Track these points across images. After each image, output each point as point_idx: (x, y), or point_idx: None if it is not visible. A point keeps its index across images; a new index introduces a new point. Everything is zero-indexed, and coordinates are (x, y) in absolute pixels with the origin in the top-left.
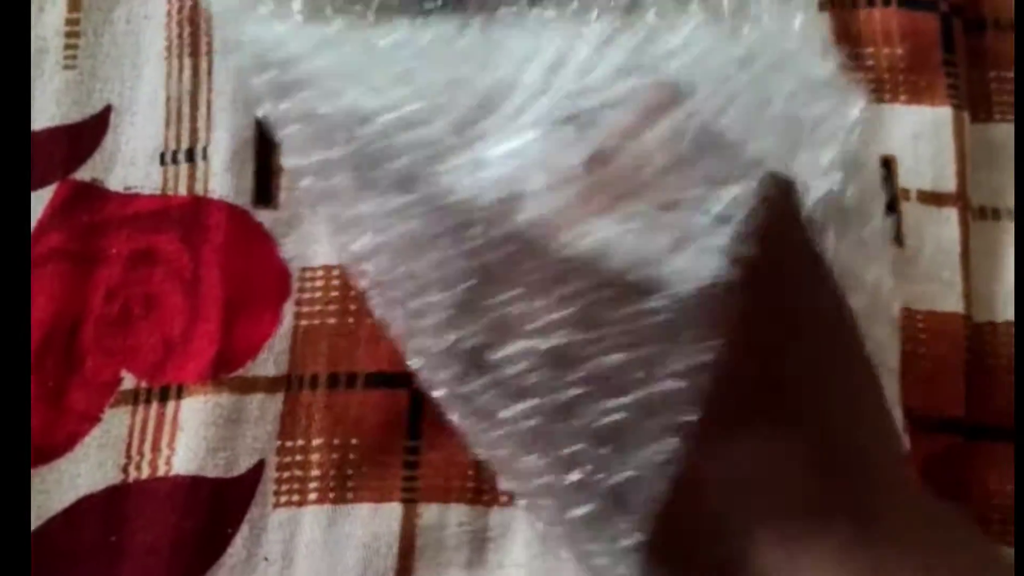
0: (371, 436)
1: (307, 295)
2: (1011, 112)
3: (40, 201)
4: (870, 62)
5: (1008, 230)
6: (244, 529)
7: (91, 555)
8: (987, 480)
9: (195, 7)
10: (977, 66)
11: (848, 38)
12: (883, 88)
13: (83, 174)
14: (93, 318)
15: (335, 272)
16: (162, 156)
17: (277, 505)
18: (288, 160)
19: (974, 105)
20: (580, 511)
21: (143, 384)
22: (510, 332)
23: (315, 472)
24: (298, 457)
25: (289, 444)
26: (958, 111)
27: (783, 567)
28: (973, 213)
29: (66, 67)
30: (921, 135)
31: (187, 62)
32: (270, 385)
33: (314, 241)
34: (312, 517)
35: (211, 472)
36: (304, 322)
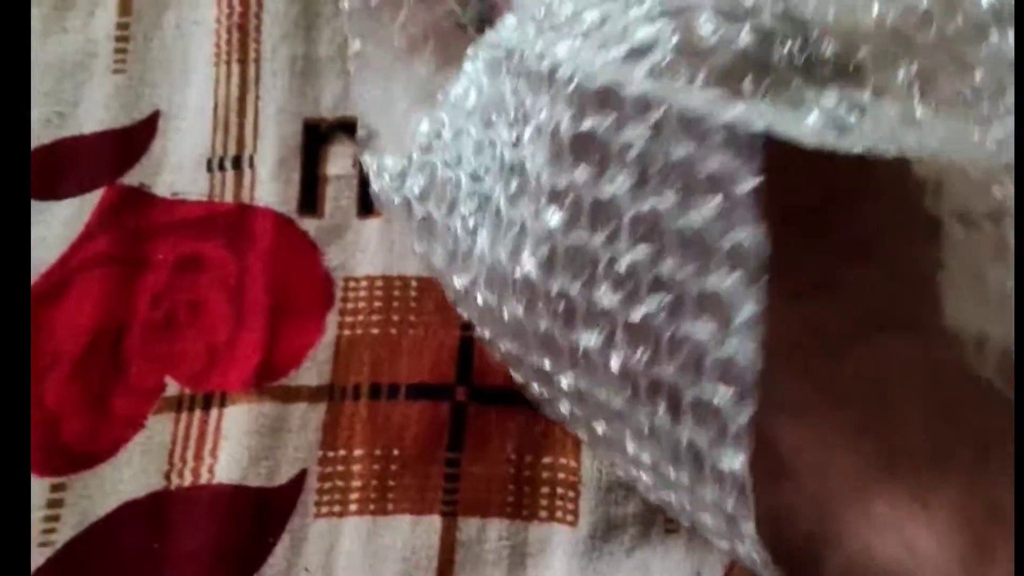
0: (412, 447)
1: (350, 304)
2: None
3: (88, 205)
4: None
5: None
6: (285, 539)
7: (133, 561)
8: None
9: (244, 13)
10: None
11: None
12: None
13: (131, 179)
14: (138, 324)
15: (378, 282)
16: (209, 162)
17: (318, 515)
18: None
19: None
20: None
21: (187, 391)
22: None
23: (356, 483)
24: (339, 467)
25: (331, 454)
26: None
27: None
28: None
29: (116, 71)
30: None
31: (235, 68)
32: (313, 395)
33: (358, 250)
34: (352, 528)
35: (253, 481)
36: (347, 332)
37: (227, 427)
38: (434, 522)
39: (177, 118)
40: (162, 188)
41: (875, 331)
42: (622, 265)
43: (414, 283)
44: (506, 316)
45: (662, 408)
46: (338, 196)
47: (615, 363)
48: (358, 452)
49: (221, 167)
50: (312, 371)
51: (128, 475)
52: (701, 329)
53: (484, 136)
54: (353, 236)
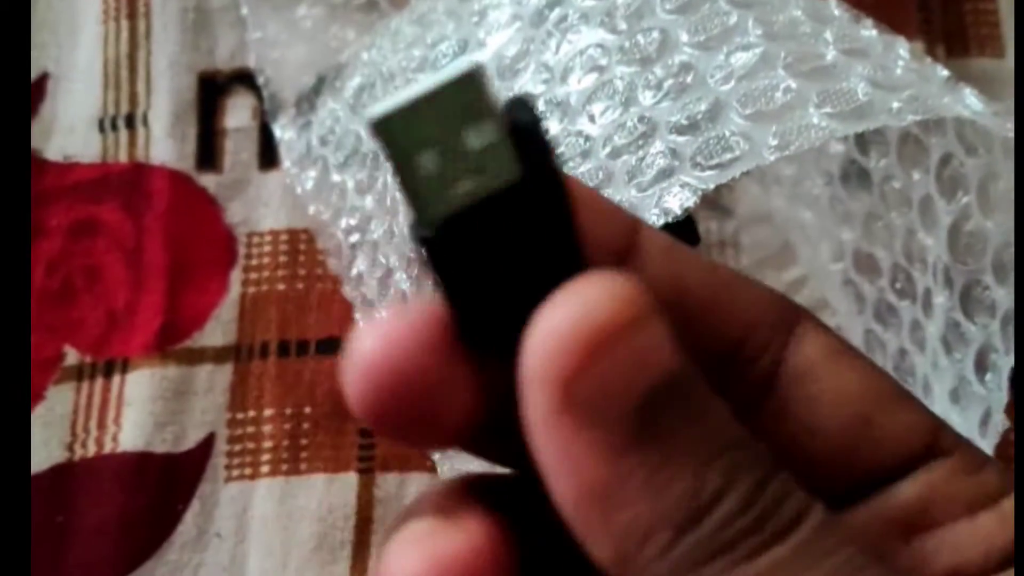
0: (325, 404)
1: (254, 261)
2: (991, 47)
3: None
4: None
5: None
6: (195, 505)
7: (37, 536)
8: None
9: None
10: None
11: None
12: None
13: None
14: (34, 292)
15: (283, 236)
16: (101, 123)
17: (229, 479)
18: None
19: (950, 39)
20: None
21: (87, 359)
22: None
23: (267, 444)
24: (249, 429)
25: (240, 416)
26: (931, 45)
27: None
28: None
29: None
30: None
31: (124, 24)
32: (218, 355)
33: (261, 204)
34: (265, 490)
35: (159, 447)
36: (252, 289)
37: (130, 394)
38: (350, 479)
39: (66, 79)
40: (53, 152)
41: None
42: None
43: None
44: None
45: None
46: (238, 150)
47: None
48: (268, 412)
49: (114, 127)
50: (217, 331)
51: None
52: None
53: None
54: (255, 190)
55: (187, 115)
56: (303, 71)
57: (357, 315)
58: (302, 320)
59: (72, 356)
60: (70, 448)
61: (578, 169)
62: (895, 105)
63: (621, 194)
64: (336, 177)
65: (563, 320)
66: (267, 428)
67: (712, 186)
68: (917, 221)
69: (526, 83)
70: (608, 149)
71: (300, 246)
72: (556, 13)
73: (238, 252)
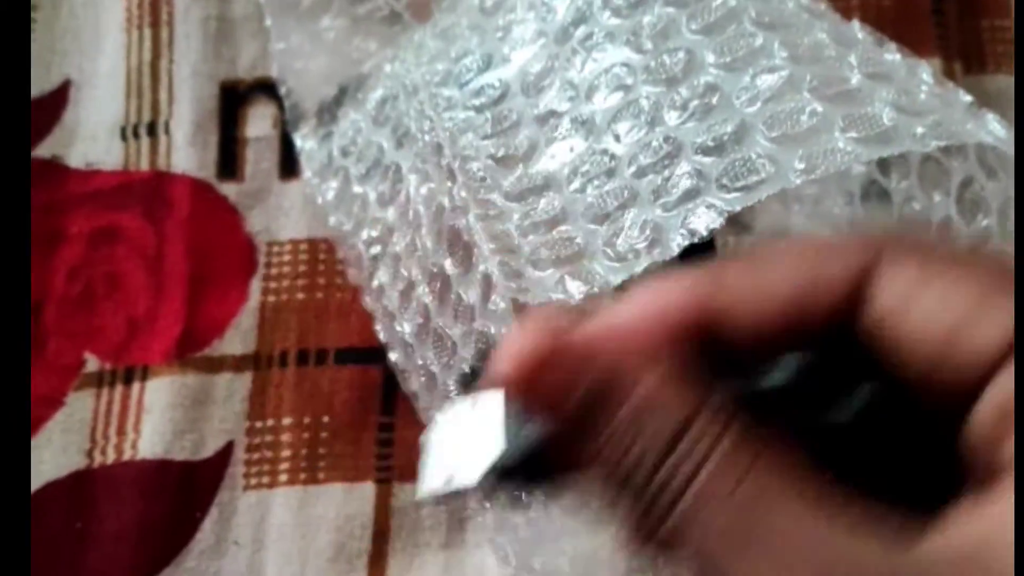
0: (343, 413)
1: (274, 270)
2: (1007, 64)
3: None
4: (857, 14)
5: None
6: (213, 513)
7: (56, 542)
8: None
9: None
10: (969, 15)
11: None
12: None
13: (42, 151)
14: (55, 299)
15: (303, 246)
16: (123, 130)
17: (247, 487)
18: None
19: (967, 56)
20: None
21: (107, 366)
22: None
23: (285, 452)
24: (268, 437)
25: (258, 424)
26: (948, 62)
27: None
28: None
29: None
30: None
31: (147, 33)
32: (237, 364)
33: (281, 214)
34: (283, 499)
35: (178, 455)
36: (272, 298)
37: (149, 401)
38: (367, 489)
39: (89, 86)
40: (75, 159)
41: None
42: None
43: None
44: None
45: None
46: (258, 159)
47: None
48: (287, 421)
49: (136, 135)
50: (236, 340)
51: (48, 455)
52: None
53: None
54: (275, 199)
55: (208, 124)
56: (325, 82)
57: (378, 327)
58: (321, 329)
59: (92, 363)
60: (89, 454)
61: (603, 188)
62: (919, 130)
63: (646, 213)
64: (358, 188)
65: None
66: (285, 437)
67: (738, 208)
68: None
69: (551, 100)
70: (633, 168)
71: (320, 256)
72: (581, 31)
73: (258, 261)
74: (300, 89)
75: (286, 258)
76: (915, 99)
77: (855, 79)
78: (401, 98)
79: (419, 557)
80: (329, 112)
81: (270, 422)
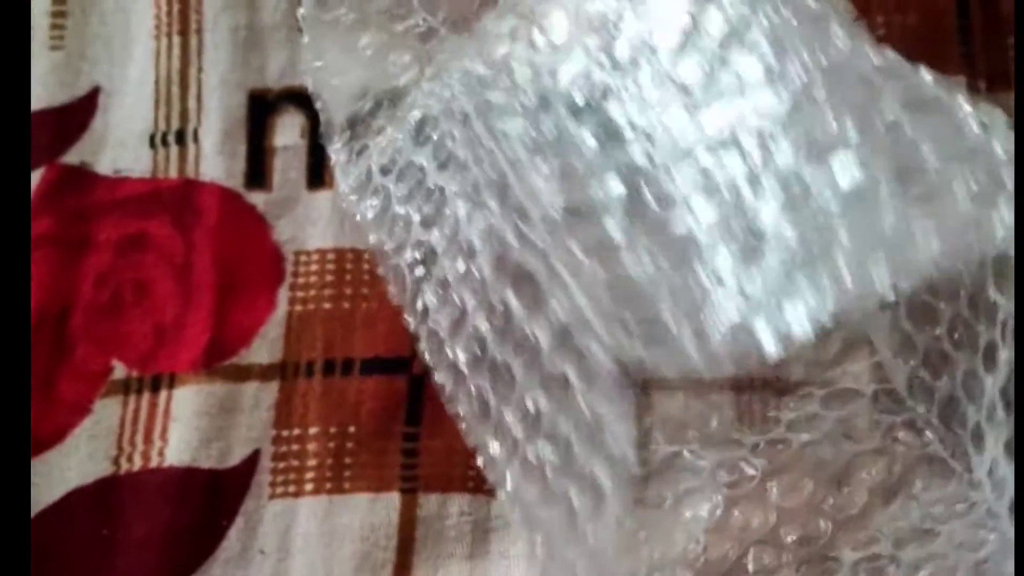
0: (369, 423)
1: (301, 279)
2: None
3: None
4: (882, 31)
5: None
6: (239, 521)
7: (82, 549)
8: None
9: None
10: (994, 33)
11: (860, 7)
12: None
13: (71, 157)
14: (83, 306)
15: (330, 256)
16: (152, 138)
17: (273, 496)
18: None
19: (991, 74)
20: None
21: (134, 373)
22: None
23: (311, 462)
24: (294, 447)
25: (285, 433)
26: (973, 80)
27: None
28: None
29: (53, 48)
30: None
31: (176, 40)
32: (264, 373)
33: (309, 223)
34: (308, 508)
35: (205, 463)
36: (299, 307)
37: (177, 409)
38: (393, 499)
39: (118, 93)
40: (104, 166)
41: None
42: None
43: (367, 256)
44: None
45: None
46: (287, 168)
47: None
48: (313, 430)
49: (164, 142)
50: (263, 349)
51: (75, 461)
52: None
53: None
54: (303, 209)
55: (237, 132)
56: (360, 96)
57: (421, 346)
58: (348, 339)
59: (120, 370)
60: (116, 461)
61: (689, 271)
62: (1000, 234)
63: (733, 304)
64: (400, 209)
65: None
66: (311, 446)
67: (827, 320)
68: (990, 276)
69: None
70: (719, 255)
71: (347, 265)
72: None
73: (285, 270)
74: (335, 103)
75: (313, 267)
76: (997, 176)
77: (934, 164)
78: (442, 120)
79: (444, 567)
80: (363, 124)
81: (296, 431)
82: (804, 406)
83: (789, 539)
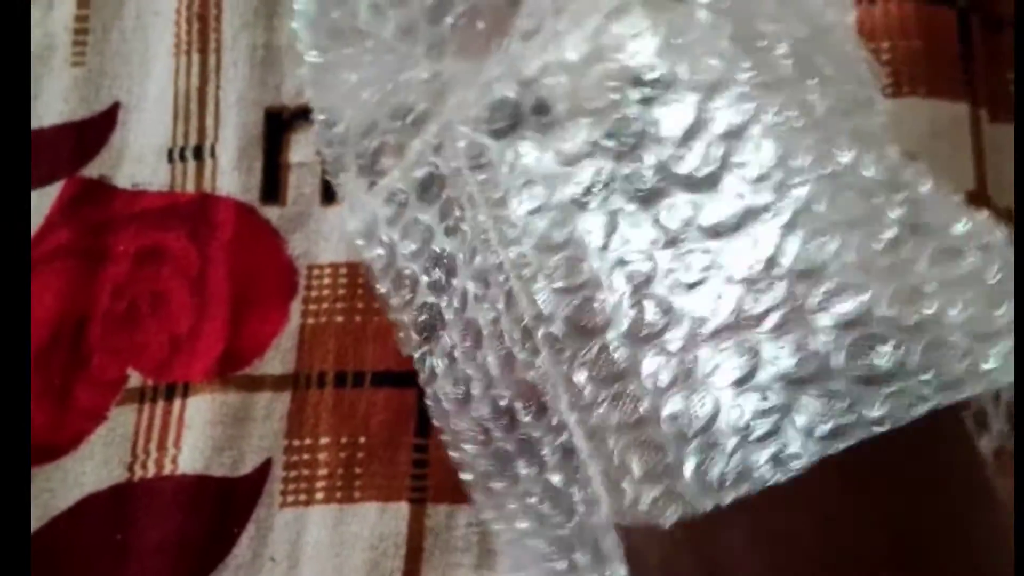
0: (379, 434)
1: (314, 292)
2: None
3: (47, 198)
4: (887, 56)
5: None
6: (250, 529)
7: (96, 554)
8: None
9: (204, 3)
10: (995, 64)
11: (866, 32)
12: (900, 82)
13: (91, 171)
14: (100, 316)
15: (342, 270)
16: (170, 153)
17: (284, 505)
18: None
19: (994, 105)
20: None
21: (149, 382)
22: None
23: (322, 471)
24: (305, 456)
25: (296, 443)
26: (975, 108)
27: None
28: (1001, 215)
29: (75, 64)
30: (939, 132)
31: (195, 58)
32: (277, 383)
33: (322, 238)
34: (319, 517)
35: (217, 471)
36: (311, 320)
37: (190, 417)
38: (402, 509)
39: (137, 109)
40: (123, 180)
41: None
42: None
43: None
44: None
45: None
46: (300, 184)
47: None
48: (324, 440)
49: (182, 157)
50: (276, 360)
51: (90, 467)
52: None
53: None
54: (316, 224)
55: (253, 148)
56: (364, 136)
57: (428, 402)
58: (359, 352)
59: (135, 378)
60: (130, 468)
61: (689, 395)
62: (988, 366)
63: (732, 439)
64: (406, 267)
65: None
66: (322, 456)
67: (816, 459)
68: None
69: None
70: (719, 380)
71: (359, 280)
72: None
73: (299, 284)
74: (340, 144)
75: (326, 281)
76: (987, 314)
77: (929, 288)
78: (449, 184)
79: None
80: (373, 158)
81: (308, 441)
82: None
83: None
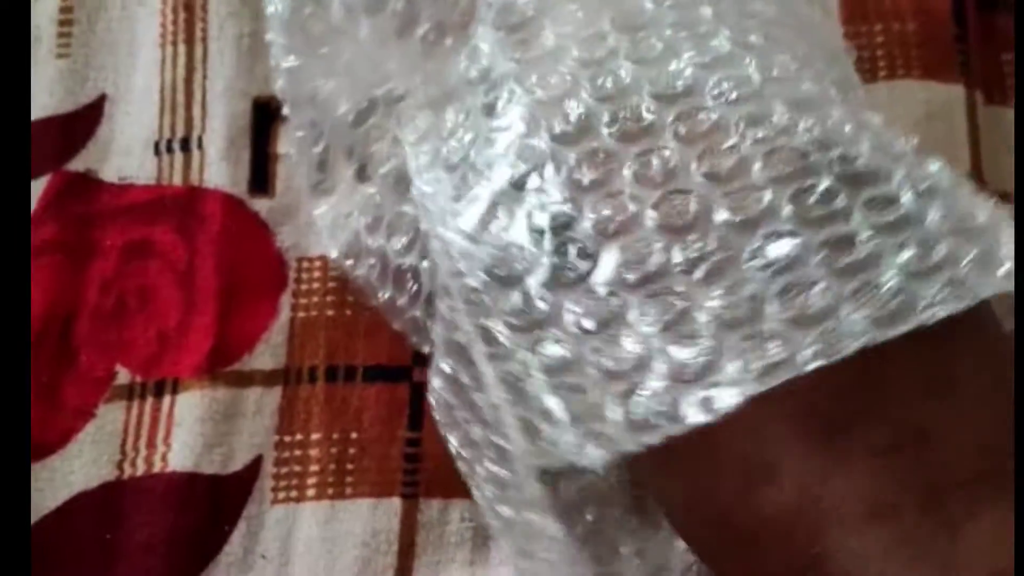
0: (371, 429)
1: (304, 286)
2: None
3: (33, 193)
4: (880, 38)
5: None
6: (241, 526)
7: (86, 553)
8: None
9: None
10: (991, 45)
11: (859, 15)
12: (895, 64)
13: (77, 164)
14: (87, 311)
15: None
16: (156, 145)
17: (275, 501)
18: None
19: (988, 87)
20: None
21: (138, 379)
22: None
23: (313, 467)
24: (296, 452)
25: (287, 439)
26: (970, 90)
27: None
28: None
29: (60, 56)
30: (934, 113)
31: (181, 49)
32: (267, 379)
33: (311, 231)
34: (310, 513)
35: (207, 468)
36: (301, 314)
37: (180, 414)
38: (394, 504)
39: (123, 101)
40: (109, 173)
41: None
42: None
43: None
44: None
45: None
46: (289, 175)
47: None
48: (315, 436)
49: (169, 149)
50: (266, 355)
51: (79, 466)
52: None
53: None
54: (306, 216)
55: (241, 140)
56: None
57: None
58: (350, 346)
59: (123, 375)
60: (119, 466)
61: (618, 345)
62: (930, 297)
63: (661, 380)
64: (402, 261)
65: None
66: (314, 452)
67: (750, 395)
68: None
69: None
70: (648, 329)
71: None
72: None
73: (288, 277)
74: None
75: (316, 274)
76: (928, 251)
77: (864, 235)
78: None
79: (445, 572)
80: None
81: (299, 437)
82: None
83: None
